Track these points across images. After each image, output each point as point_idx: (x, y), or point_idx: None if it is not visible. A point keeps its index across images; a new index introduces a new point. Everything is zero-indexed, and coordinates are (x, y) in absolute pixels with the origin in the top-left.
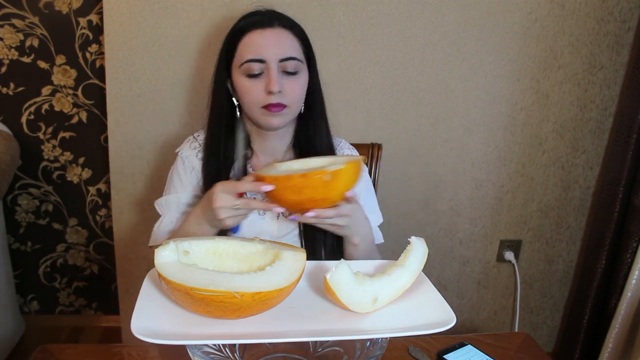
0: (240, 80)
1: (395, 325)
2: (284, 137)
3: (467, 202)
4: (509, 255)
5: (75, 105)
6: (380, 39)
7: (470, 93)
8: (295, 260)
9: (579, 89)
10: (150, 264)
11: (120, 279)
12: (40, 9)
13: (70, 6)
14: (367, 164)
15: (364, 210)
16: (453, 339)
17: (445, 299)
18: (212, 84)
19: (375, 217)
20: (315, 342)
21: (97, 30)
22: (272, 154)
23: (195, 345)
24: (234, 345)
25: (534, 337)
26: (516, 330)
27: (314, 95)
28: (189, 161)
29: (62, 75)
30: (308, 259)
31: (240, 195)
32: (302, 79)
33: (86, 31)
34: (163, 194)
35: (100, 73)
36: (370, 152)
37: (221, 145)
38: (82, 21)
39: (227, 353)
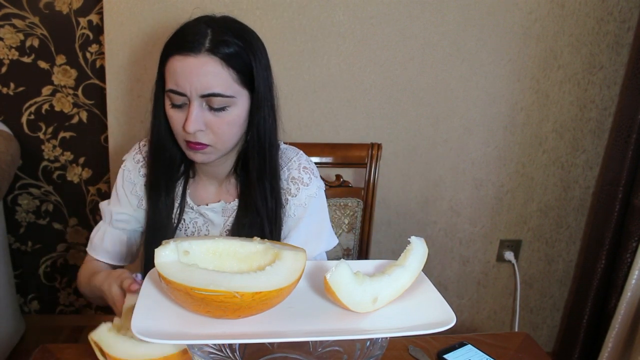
0: (167, 107)
1: (395, 325)
2: (225, 163)
3: (467, 202)
4: (509, 255)
5: (75, 105)
6: (380, 39)
7: (470, 93)
8: (295, 260)
9: (579, 88)
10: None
11: None
12: (41, 9)
13: (71, 6)
14: (367, 164)
15: None
16: (453, 339)
17: (445, 299)
18: (152, 99)
19: (321, 243)
20: (315, 342)
21: (97, 30)
22: (214, 177)
23: (195, 345)
24: (234, 345)
25: (534, 337)
26: (516, 330)
27: (257, 124)
28: (130, 178)
29: (63, 75)
30: None
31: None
32: (233, 114)
33: (86, 31)
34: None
35: (101, 73)
36: (370, 152)
37: (159, 169)
38: (82, 21)
39: (227, 353)
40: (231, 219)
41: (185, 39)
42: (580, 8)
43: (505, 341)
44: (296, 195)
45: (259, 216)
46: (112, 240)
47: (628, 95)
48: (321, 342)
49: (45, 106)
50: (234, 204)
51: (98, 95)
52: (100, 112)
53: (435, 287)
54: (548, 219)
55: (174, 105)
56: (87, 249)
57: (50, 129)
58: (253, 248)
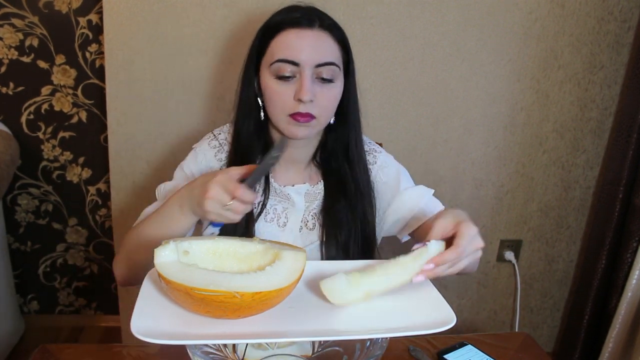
0: (268, 82)
1: (395, 325)
2: (308, 146)
3: (467, 202)
4: (509, 255)
5: (75, 105)
6: (380, 39)
7: (470, 93)
8: (295, 260)
9: (579, 88)
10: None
11: None
12: (40, 8)
13: (70, 6)
14: None
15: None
16: (453, 339)
17: (445, 299)
18: (240, 82)
19: (423, 190)
20: (315, 342)
21: (97, 30)
22: (294, 162)
23: (195, 345)
24: (234, 345)
25: (534, 337)
26: (516, 330)
27: (348, 105)
28: (205, 161)
29: (62, 75)
30: None
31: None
32: (337, 88)
33: (86, 31)
34: None
35: (100, 73)
36: None
37: (247, 148)
38: (82, 21)
39: (227, 353)
40: (313, 206)
41: (299, 15)
42: (581, 8)
43: (505, 341)
44: (375, 163)
45: (347, 198)
46: None
47: (628, 95)
48: (321, 342)
49: (45, 106)
50: (318, 187)
51: (98, 95)
52: (100, 112)
53: (435, 287)
54: (548, 219)
55: (280, 77)
56: (134, 225)
57: (49, 129)
58: (253, 248)
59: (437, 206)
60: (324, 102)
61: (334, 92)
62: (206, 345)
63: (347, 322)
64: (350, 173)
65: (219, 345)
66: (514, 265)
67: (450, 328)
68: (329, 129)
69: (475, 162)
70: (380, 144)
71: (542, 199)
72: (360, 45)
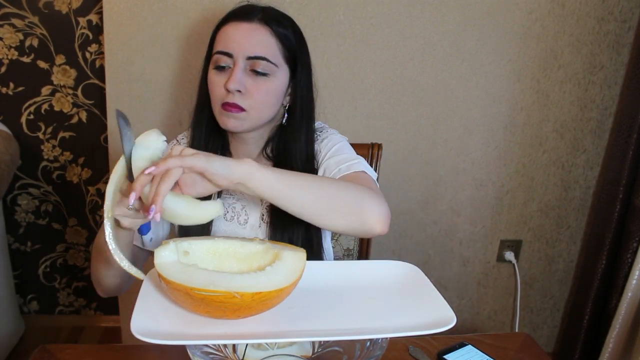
0: (210, 73)
1: (395, 325)
2: (258, 142)
3: (467, 202)
4: (509, 255)
5: (75, 105)
6: (380, 39)
7: (470, 93)
8: (295, 260)
9: (579, 88)
10: (149, 264)
11: None
12: (40, 8)
13: (70, 6)
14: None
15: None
16: (453, 339)
17: (445, 299)
18: (200, 74)
19: (348, 157)
20: (315, 342)
21: (97, 30)
22: (245, 157)
23: (195, 346)
24: (234, 345)
25: (534, 337)
26: (516, 330)
27: (295, 104)
28: None
29: (62, 75)
30: None
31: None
32: (273, 84)
33: (86, 31)
34: None
35: (100, 73)
36: (370, 152)
37: (202, 143)
38: (82, 21)
39: (227, 353)
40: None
41: (241, 10)
42: (581, 8)
43: (505, 341)
44: (318, 140)
45: None
46: None
47: (628, 95)
48: (321, 342)
49: (45, 106)
50: None
51: (98, 95)
52: (100, 112)
53: (435, 287)
54: (548, 219)
55: (217, 68)
56: None
57: (49, 129)
58: (253, 248)
59: (354, 169)
60: (256, 95)
61: (268, 86)
62: (206, 345)
63: (347, 322)
64: (301, 170)
65: (218, 345)
66: (514, 265)
67: (450, 328)
68: (279, 125)
69: (475, 162)
70: (381, 145)
71: (542, 199)
72: (360, 45)
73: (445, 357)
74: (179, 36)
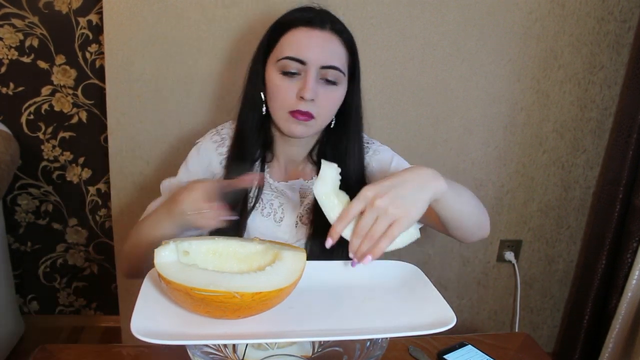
0: (273, 77)
1: (395, 325)
2: (307, 145)
3: None
4: (509, 255)
5: (75, 105)
6: (380, 39)
7: (470, 93)
8: (295, 260)
9: (579, 88)
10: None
11: (120, 279)
12: (40, 8)
13: (70, 6)
14: None
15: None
16: (453, 339)
17: (445, 299)
18: (247, 76)
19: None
20: (315, 342)
21: (97, 30)
22: (290, 160)
23: (195, 346)
24: (234, 345)
25: (534, 337)
26: (516, 330)
27: (350, 110)
28: (207, 154)
29: (62, 75)
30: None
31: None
32: (339, 92)
33: (86, 31)
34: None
35: (100, 73)
36: None
37: (247, 141)
38: (82, 21)
39: (227, 353)
40: (307, 201)
41: (311, 15)
42: (581, 8)
43: (505, 341)
44: (367, 152)
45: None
46: None
47: (628, 95)
48: (321, 342)
49: (45, 106)
50: (312, 182)
51: (98, 95)
52: (100, 112)
53: (435, 287)
54: (548, 219)
55: (285, 74)
56: (140, 220)
57: (49, 129)
58: (253, 248)
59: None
60: (325, 104)
61: (336, 94)
62: (206, 345)
63: (347, 322)
64: (346, 176)
65: (219, 345)
66: (514, 265)
67: (450, 328)
68: (327, 130)
69: (475, 162)
70: None
71: (542, 199)
72: (360, 45)
73: (445, 357)
74: (179, 36)
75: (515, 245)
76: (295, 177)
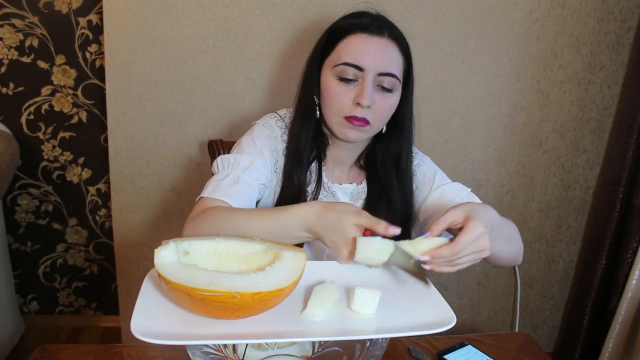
0: (329, 81)
1: (395, 326)
2: (355, 150)
3: None
4: None
5: (75, 105)
6: None
7: (470, 93)
8: (295, 261)
9: (579, 88)
10: (150, 264)
11: (120, 279)
12: (40, 8)
13: (70, 6)
14: None
15: (481, 211)
16: (453, 339)
17: (445, 299)
18: (302, 79)
19: (460, 187)
20: (315, 342)
21: (97, 30)
22: (340, 163)
23: (195, 346)
24: (234, 345)
25: (534, 337)
26: (516, 330)
27: (404, 117)
28: (274, 138)
29: (62, 75)
30: None
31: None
32: (395, 98)
33: (86, 31)
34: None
35: (100, 73)
36: None
37: (302, 144)
38: (82, 21)
39: (227, 353)
40: (358, 205)
41: (370, 21)
42: (581, 8)
43: (505, 341)
44: (417, 163)
45: (389, 206)
46: (247, 188)
47: (628, 95)
48: (321, 342)
49: (45, 106)
50: (362, 187)
51: (98, 95)
52: (100, 112)
53: (435, 287)
54: (548, 219)
55: (342, 79)
56: (207, 194)
57: (49, 129)
58: (253, 248)
59: (477, 200)
60: (380, 110)
61: (391, 101)
62: (206, 345)
63: (346, 322)
64: (398, 184)
65: (219, 345)
66: (514, 265)
67: (450, 328)
68: (377, 136)
69: (475, 162)
70: None
71: (542, 199)
72: None
73: (445, 357)
74: (179, 36)
75: None
76: (348, 181)
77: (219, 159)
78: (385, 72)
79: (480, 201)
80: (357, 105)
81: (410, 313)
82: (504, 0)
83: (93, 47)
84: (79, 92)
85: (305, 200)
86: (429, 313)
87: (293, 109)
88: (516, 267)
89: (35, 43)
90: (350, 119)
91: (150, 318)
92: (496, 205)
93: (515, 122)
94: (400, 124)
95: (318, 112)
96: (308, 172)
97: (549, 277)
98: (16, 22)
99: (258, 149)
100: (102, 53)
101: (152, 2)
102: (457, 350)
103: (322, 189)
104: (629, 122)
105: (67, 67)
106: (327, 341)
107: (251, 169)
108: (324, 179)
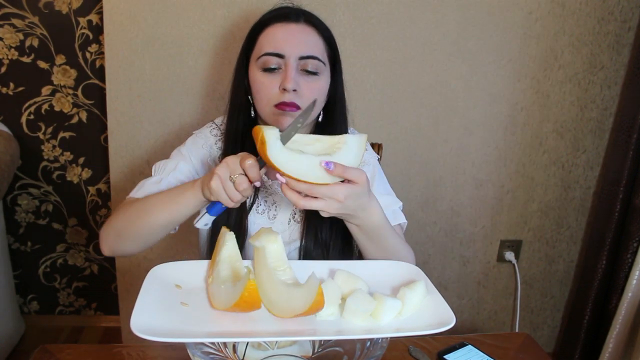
0: (255, 75)
1: (395, 326)
2: None
3: (467, 202)
4: (509, 255)
5: (75, 105)
6: (380, 39)
7: (470, 93)
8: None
9: (580, 88)
10: (150, 264)
11: (120, 279)
12: (40, 8)
13: (70, 6)
14: None
15: (368, 194)
16: (453, 339)
17: (445, 299)
18: (232, 80)
19: (394, 198)
20: (315, 342)
21: (97, 30)
22: None
23: (195, 345)
24: (234, 345)
25: (534, 337)
26: (516, 330)
27: (334, 102)
28: (207, 146)
29: (62, 75)
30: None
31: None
32: (322, 82)
33: (86, 31)
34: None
35: (100, 73)
36: None
37: (239, 144)
38: (82, 21)
39: (227, 353)
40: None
41: (285, 11)
42: (581, 8)
43: (505, 341)
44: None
45: None
46: (167, 188)
47: (629, 95)
48: (321, 342)
49: (45, 106)
50: None
51: (98, 95)
52: (100, 112)
53: (435, 287)
54: (548, 219)
55: (266, 70)
56: (132, 194)
57: (49, 129)
58: None
59: (398, 220)
60: (308, 93)
61: (319, 84)
62: (206, 345)
63: (347, 322)
64: None
65: (219, 345)
66: (514, 265)
67: (450, 328)
68: (316, 125)
69: (475, 162)
70: (381, 145)
71: (543, 199)
72: (360, 45)
73: (445, 357)
74: (179, 36)
75: (515, 245)
76: None
77: (154, 165)
78: (307, 55)
79: (405, 220)
80: (283, 92)
81: (411, 313)
82: (504, 0)
83: (93, 47)
84: (79, 92)
85: (247, 203)
86: (429, 313)
87: (225, 113)
88: (516, 267)
89: (35, 43)
90: (279, 105)
91: (150, 316)
92: (496, 205)
93: (515, 122)
94: (331, 111)
95: (253, 111)
96: None
97: (549, 277)
98: (16, 22)
99: (184, 155)
100: (102, 53)
101: (152, 2)
102: (457, 350)
103: (262, 187)
104: (629, 122)
105: (67, 67)
106: (327, 341)
107: (175, 171)
108: (264, 177)
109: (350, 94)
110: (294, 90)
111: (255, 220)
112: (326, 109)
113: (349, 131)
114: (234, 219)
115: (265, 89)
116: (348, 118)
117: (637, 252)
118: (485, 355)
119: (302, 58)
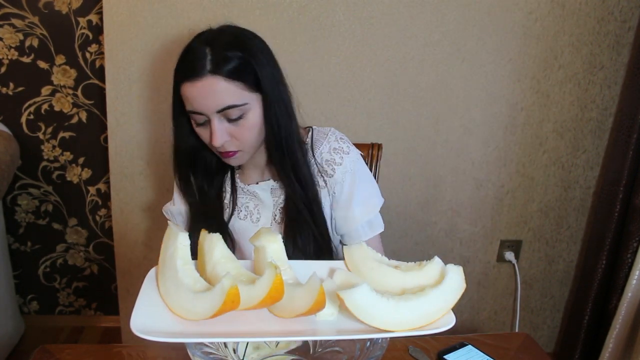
0: (193, 125)
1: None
2: (260, 155)
3: (467, 202)
4: (509, 255)
5: (75, 105)
6: (380, 39)
7: (470, 93)
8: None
9: (580, 89)
10: (150, 264)
11: (120, 279)
12: (40, 8)
13: (70, 6)
14: (367, 164)
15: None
16: (453, 339)
17: None
18: (172, 117)
19: (372, 203)
20: (315, 342)
21: (97, 30)
22: (254, 164)
23: (195, 345)
24: (234, 345)
25: (534, 337)
26: (516, 330)
27: (272, 122)
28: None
29: (62, 75)
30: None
31: None
32: (251, 119)
33: (86, 31)
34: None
35: (100, 73)
36: (370, 152)
37: (207, 161)
38: (82, 21)
39: (227, 353)
40: (280, 200)
41: (189, 66)
42: (581, 8)
43: (505, 342)
44: (341, 164)
45: (302, 184)
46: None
47: (629, 95)
48: (321, 342)
49: (45, 106)
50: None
51: (98, 95)
52: (100, 112)
53: None
54: (548, 219)
55: (198, 124)
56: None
57: (49, 129)
58: None
59: (375, 230)
60: (241, 137)
61: (248, 124)
62: (206, 345)
63: (346, 322)
64: (303, 167)
65: (218, 345)
66: (514, 265)
67: (451, 328)
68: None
69: (475, 162)
70: (381, 145)
71: (542, 199)
72: (360, 45)
73: (445, 357)
74: (179, 36)
75: (515, 245)
76: (266, 178)
77: (164, 210)
78: (222, 108)
79: (382, 228)
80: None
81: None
82: (504, 0)
83: (93, 47)
84: (79, 92)
85: (226, 211)
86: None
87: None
88: (516, 267)
89: (35, 43)
90: (221, 154)
91: (149, 316)
92: (496, 205)
93: (515, 122)
94: (270, 130)
95: None
96: (224, 183)
97: (549, 277)
98: (16, 22)
99: (174, 199)
100: (102, 53)
101: (152, 2)
102: (457, 350)
103: (240, 192)
104: (629, 122)
105: (67, 67)
106: (327, 341)
107: (183, 215)
108: (239, 183)
109: (350, 93)
110: (225, 141)
111: (239, 225)
112: (271, 131)
113: (329, 132)
114: (213, 229)
115: (205, 139)
116: (297, 117)
117: (637, 252)
118: (485, 355)
119: (219, 111)
